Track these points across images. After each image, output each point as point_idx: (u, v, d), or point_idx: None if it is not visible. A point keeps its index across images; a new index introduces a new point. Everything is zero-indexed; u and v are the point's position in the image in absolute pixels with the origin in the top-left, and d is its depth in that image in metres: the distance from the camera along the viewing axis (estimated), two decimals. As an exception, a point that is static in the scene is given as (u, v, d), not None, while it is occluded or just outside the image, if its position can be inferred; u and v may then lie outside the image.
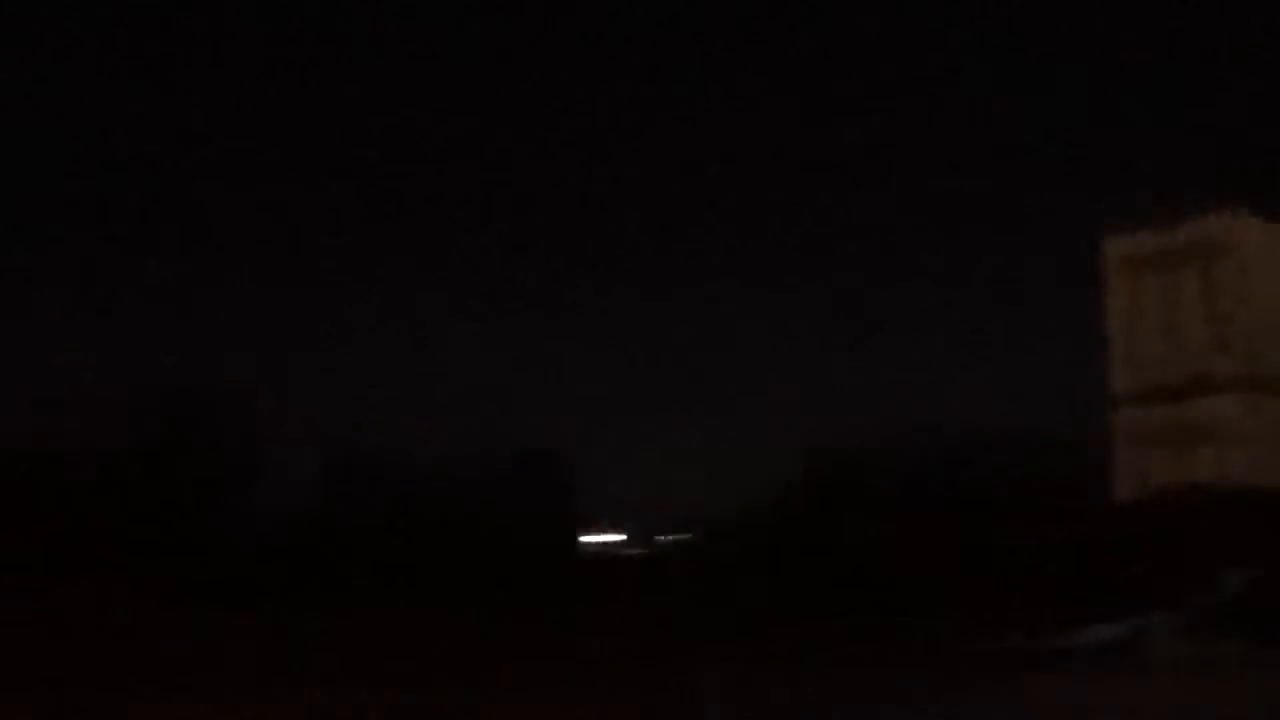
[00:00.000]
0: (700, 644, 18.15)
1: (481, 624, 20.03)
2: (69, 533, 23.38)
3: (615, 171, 60.72)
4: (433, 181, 62.67)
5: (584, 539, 33.39)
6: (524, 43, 66.99)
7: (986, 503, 25.15)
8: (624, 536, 34.83)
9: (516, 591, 23.43)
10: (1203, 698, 13.31)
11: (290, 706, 13.21)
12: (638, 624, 20.75)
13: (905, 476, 27.99)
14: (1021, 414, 31.70)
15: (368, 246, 61.91)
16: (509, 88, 63.90)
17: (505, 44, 65.40)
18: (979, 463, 28.52)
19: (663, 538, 33.55)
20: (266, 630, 18.50)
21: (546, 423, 35.50)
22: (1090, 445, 26.87)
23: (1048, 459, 27.69)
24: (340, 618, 19.75)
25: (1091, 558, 21.11)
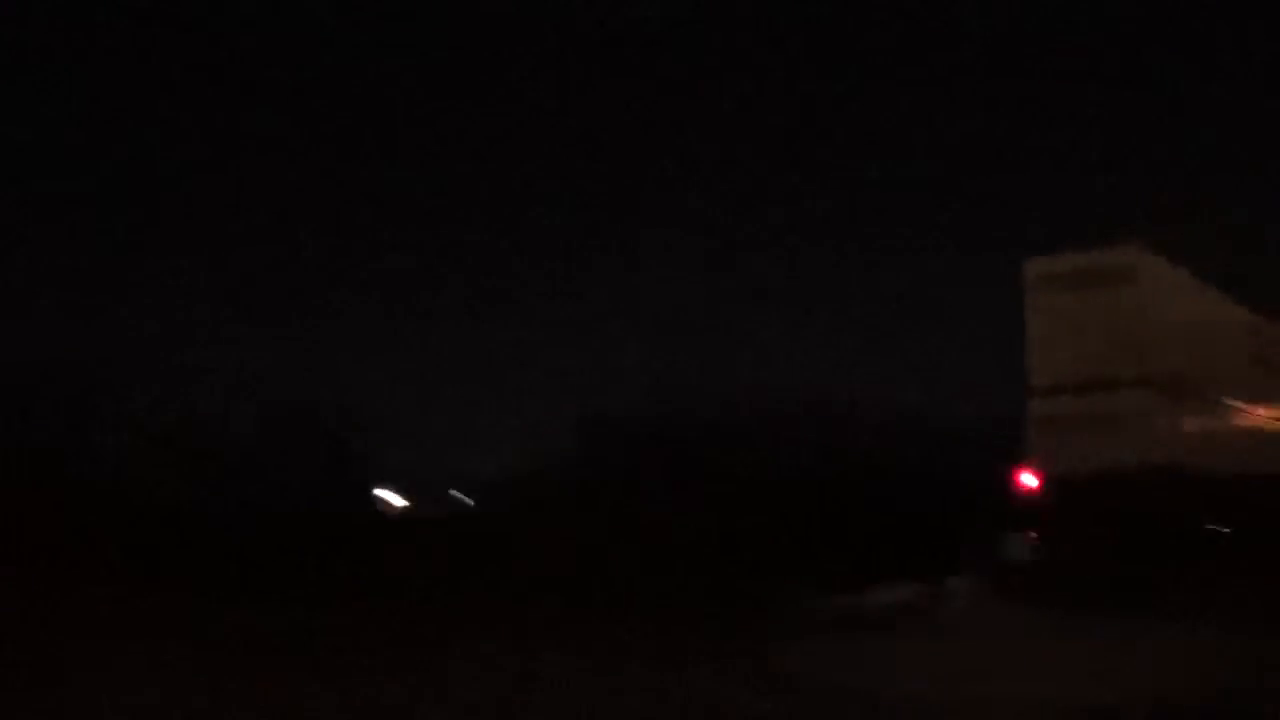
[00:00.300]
0: (493, 608, 17.51)
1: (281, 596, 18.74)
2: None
3: (392, 127, 58.51)
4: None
5: (375, 494, 32.46)
6: None
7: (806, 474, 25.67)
8: (408, 502, 33.93)
9: (308, 557, 22.37)
10: (990, 660, 13.12)
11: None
12: (429, 590, 19.99)
13: (721, 444, 27.87)
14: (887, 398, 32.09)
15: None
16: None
17: None
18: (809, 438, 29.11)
19: (455, 495, 32.93)
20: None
21: (327, 384, 34.04)
22: (952, 430, 28.82)
23: (879, 435, 28.82)
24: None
25: (892, 524, 21.51)
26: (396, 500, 33.80)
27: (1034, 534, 21.08)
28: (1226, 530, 20.64)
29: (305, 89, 56.45)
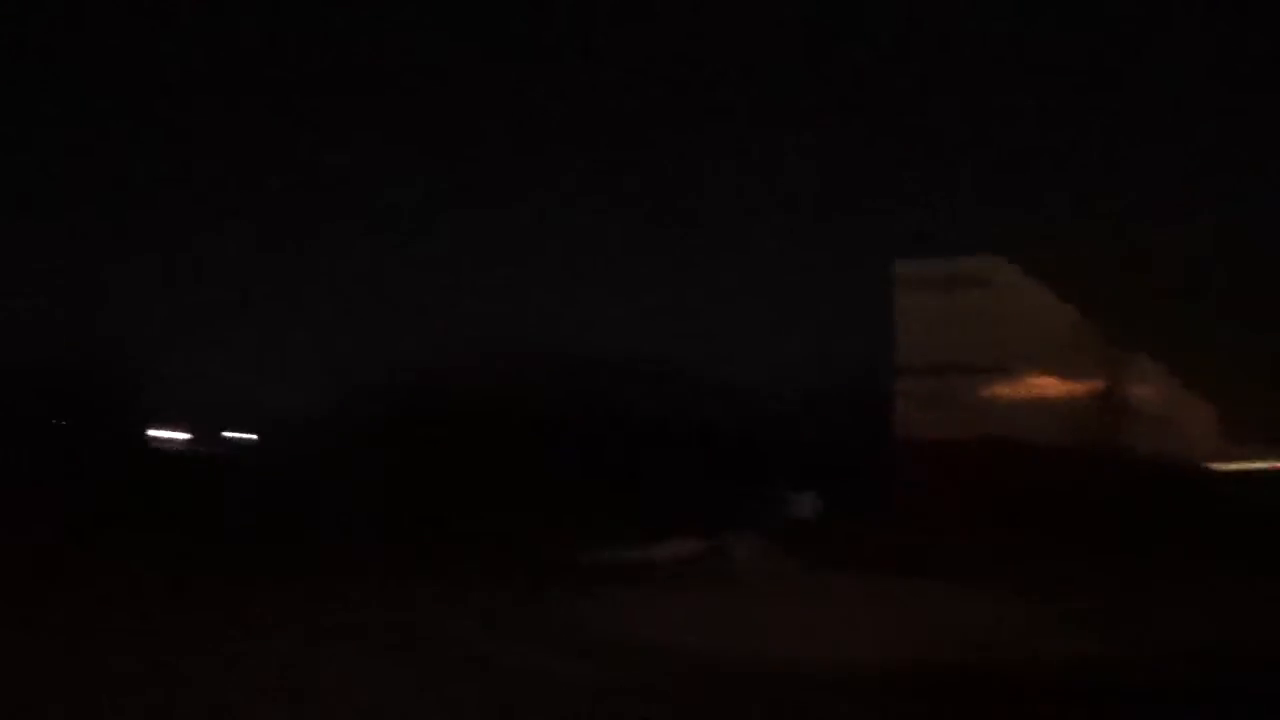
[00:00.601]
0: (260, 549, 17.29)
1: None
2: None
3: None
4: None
5: (151, 434, 31.41)
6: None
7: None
8: (189, 435, 32.90)
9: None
10: (767, 616, 13.35)
11: None
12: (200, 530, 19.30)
13: (503, 400, 27.55)
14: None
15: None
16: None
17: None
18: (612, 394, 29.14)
19: (231, 435, 32.11)
20: None
21: (103, 313, 32.58)
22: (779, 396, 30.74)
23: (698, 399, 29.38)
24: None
25: (680, 476, 21.68)
26: (176, 436, 32.82)
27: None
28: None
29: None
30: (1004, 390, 26.29)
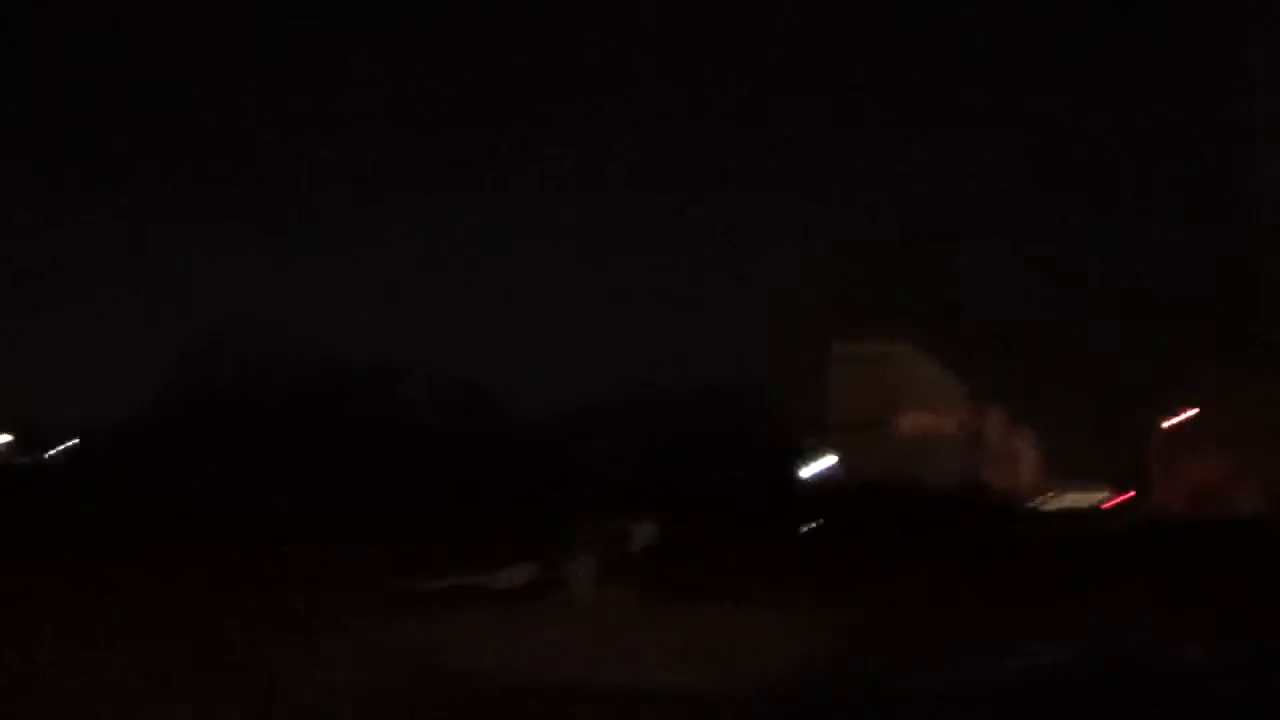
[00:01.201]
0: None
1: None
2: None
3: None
4: None
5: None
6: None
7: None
8: (10, 438, 31.69)
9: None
10: (606, 642, 13.51)
11: None
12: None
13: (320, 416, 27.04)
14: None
15: None
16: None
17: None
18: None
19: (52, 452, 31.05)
20: None
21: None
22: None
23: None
24: None
25: (518, 503, 21.69)
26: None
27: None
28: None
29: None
30: (903, 438, 35.19)
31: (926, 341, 38.93)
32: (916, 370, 37.35)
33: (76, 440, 30.32)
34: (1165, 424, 67.48)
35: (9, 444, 31.36)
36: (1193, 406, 62.92)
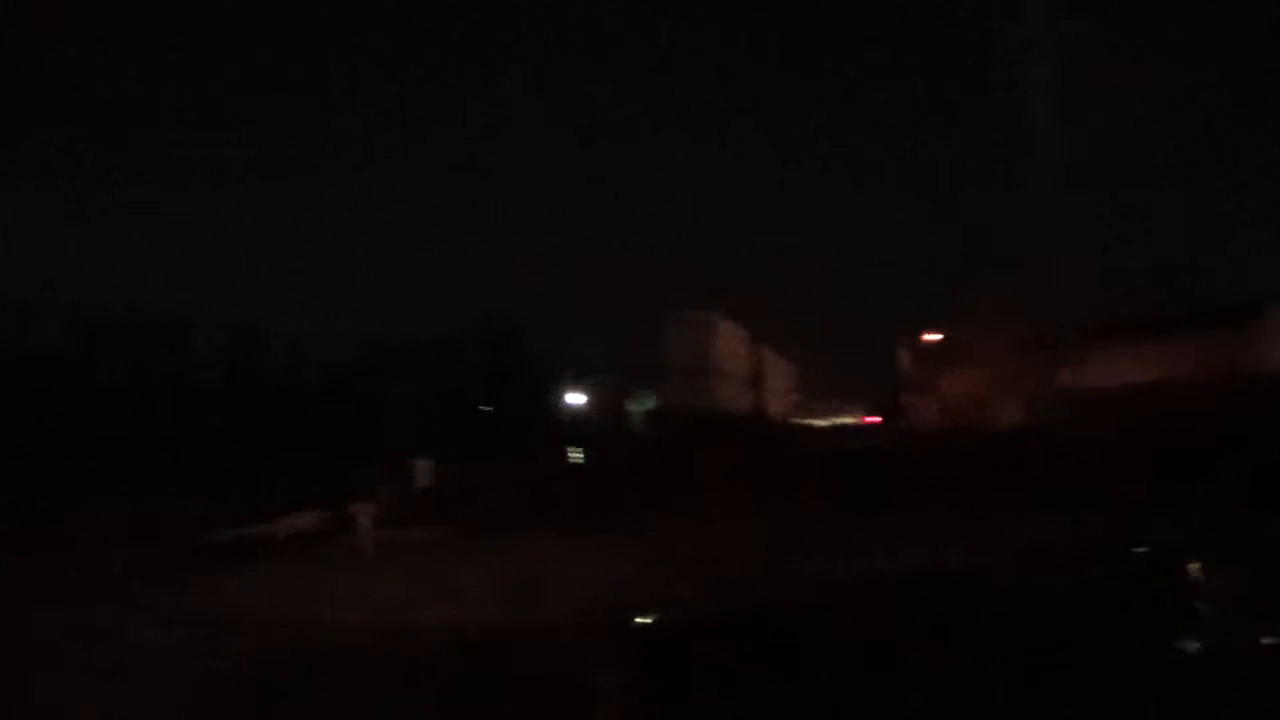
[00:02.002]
0: None
1: None
2: None
3: None
4: None
5: None
6: None
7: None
8: None
9: None
10: (397, 581, 13.65)
11: None
12: None
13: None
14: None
15: None
16: None
17: None
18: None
19: None
20: None
21: None
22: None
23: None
24: None
25: (302, 450, 21.56)
26: None
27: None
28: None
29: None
30: (716, 381, 52.81)
31: (727, 307, 61.62)
32: (723, 329, 58.37)
33: None
34: (913, 348, 73.02)
35: None
36: (939, 331, 67.20)
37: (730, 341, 75.20)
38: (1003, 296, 59.22)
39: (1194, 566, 2.88)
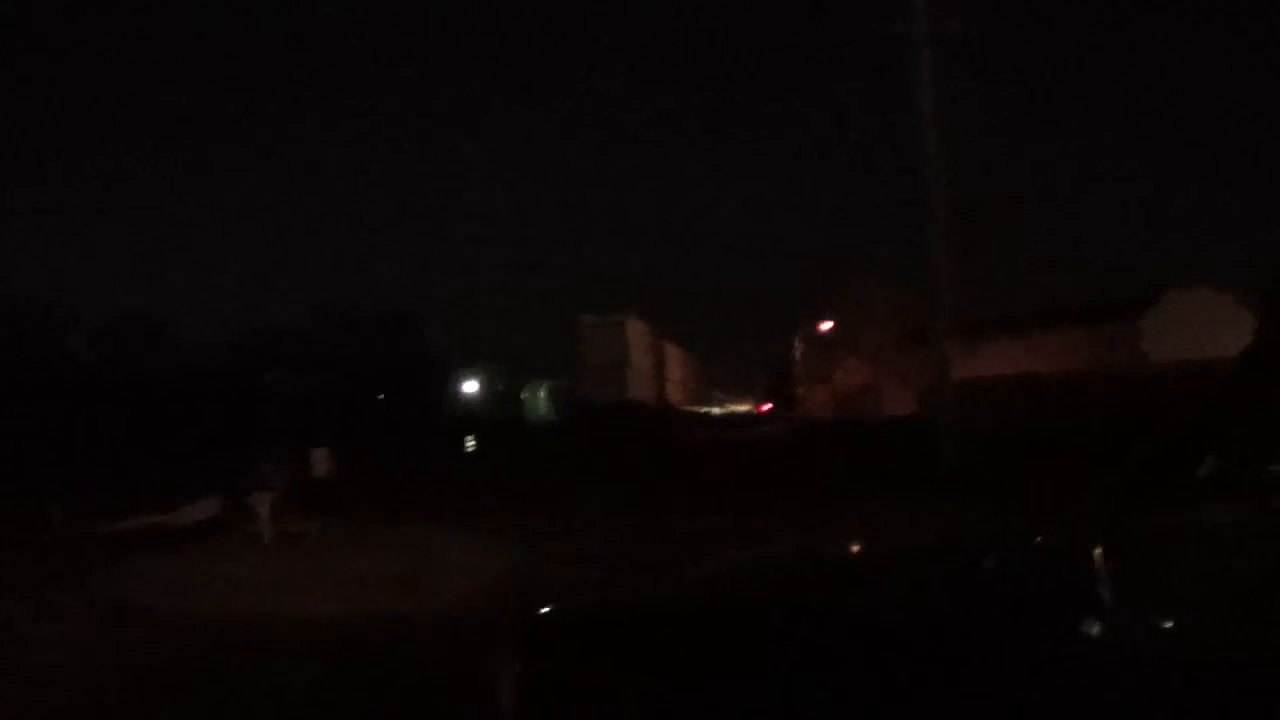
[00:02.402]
0: None
1: None
2: None
3: None
4: None
5: None
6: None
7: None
8: None
9: None
10: (297, 572, 13.56)
11: None
12: None
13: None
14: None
15: None
16: None
17: None
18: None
19: None
20: None
21: None
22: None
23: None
24: None
25: (197, 438, 21.30)
26: None
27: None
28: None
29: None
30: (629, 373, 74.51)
31: (638, 309, 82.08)
32: (635, 329, 75.04)
33: None
34: (806, 339, 73.90)
35: None
36: (829, 321, 68.05)
37: (641, 339, 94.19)
38: (891, 288, 60.25)
39: (1096, 553, 2.75)
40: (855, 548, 5.04)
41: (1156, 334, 59.76)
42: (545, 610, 3.67)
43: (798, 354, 74.34)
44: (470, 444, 44.13)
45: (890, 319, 62.06)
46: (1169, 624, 2.67)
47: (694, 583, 4.11)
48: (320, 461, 20.76)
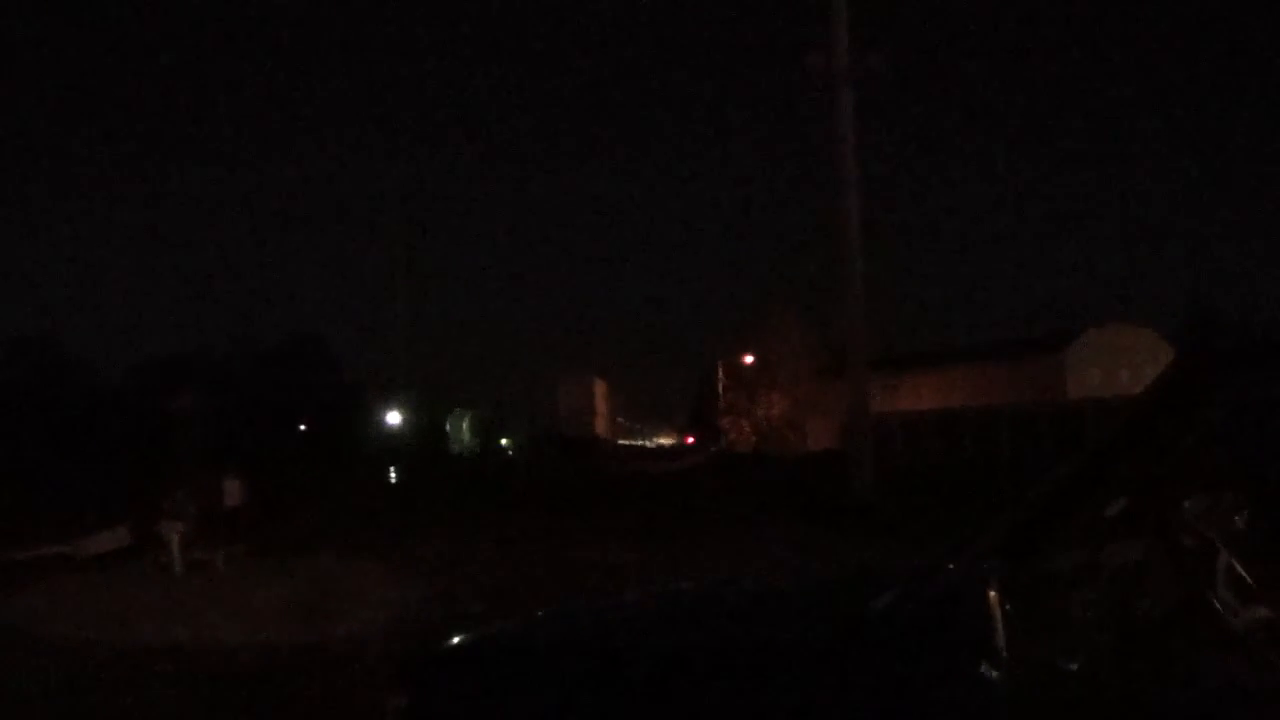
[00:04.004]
0: None
1: None
2: None
3: None
4: None
5: None
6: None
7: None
8: None
9: None
10: (207, 601, 13.45)
11: None
12: None
13: None
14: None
15: None
16: None
17: None
18: None
19: None
20: None
21: None
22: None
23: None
24: None
25: (103, 463, 21.01)
26: None
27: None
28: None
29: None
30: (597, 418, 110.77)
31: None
32: (598, 383, 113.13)
33: None
34: (727, 372, 74.08)
35: None
36: (750, 354, 68.39)
37: (598, 390, 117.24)
38: (811, 322, 60.79)
39: (990, 595, 2.62)
40: (737, 584, 4.92)
41: (1078, 369, 60.87)
42: (428, 648, 3.72)
43: (720, 386, 74.60)
44: (392, 474, 43.83)
45: (811, 353, 62.57)
46: (1067, 665, 2.62)
47: (573, 618, 4.07)
48: (232, 490, 20.53)
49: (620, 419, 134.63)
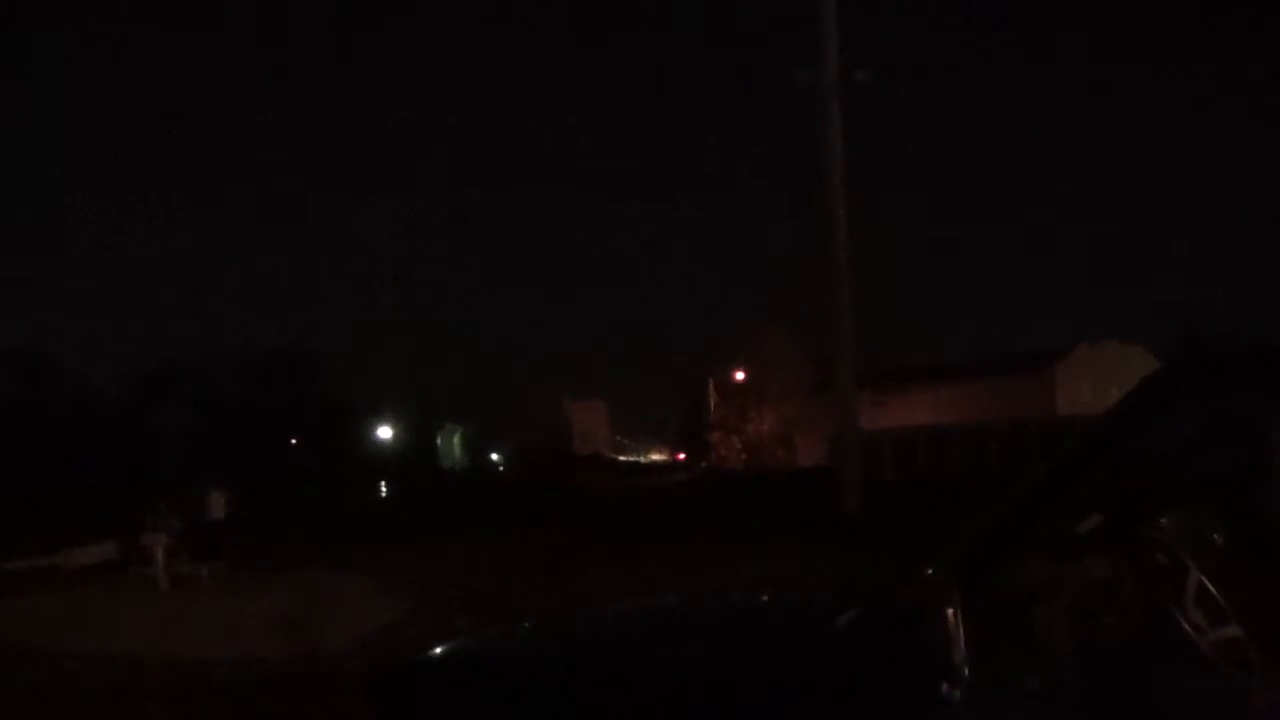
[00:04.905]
0: None
1: None
2: None
3: None
4: None
5: None
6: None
7: None
8: None
9: None
10: (192, 614, 13.58)
11: None
12: None
13: None
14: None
15: None
16: None
17: None
18: None
19: None
20: None
21: None
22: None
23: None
24: None
25: (89, 476, 20.97)
26: None
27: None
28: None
29: None
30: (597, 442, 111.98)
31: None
32: (601, 408, 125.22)
33: None
34: (718, 388, 73.64)
35: None
36: (740, 371, 68.19)
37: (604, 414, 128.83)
38: (802, 338, 60.75)
39: (950, 612, 2.57)
40: (713, 599, 4.83)
41: (1069, 385, 60.97)
42: (398, 663, 3.72)
43: (711, 403, 74.56)
44: (382, 488, 43.79)
45: (801, 369, 62.59)
46: (1029, 684, 2.59)
47: (544, 632, 4.05)
48: (217, 504, 20.51)
49: (617, 436, 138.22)
